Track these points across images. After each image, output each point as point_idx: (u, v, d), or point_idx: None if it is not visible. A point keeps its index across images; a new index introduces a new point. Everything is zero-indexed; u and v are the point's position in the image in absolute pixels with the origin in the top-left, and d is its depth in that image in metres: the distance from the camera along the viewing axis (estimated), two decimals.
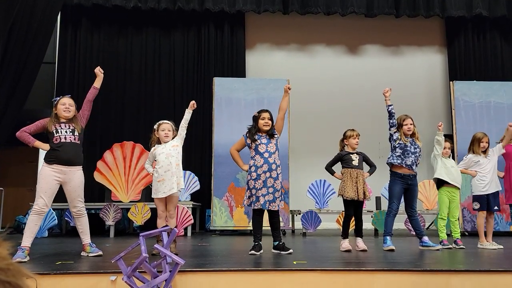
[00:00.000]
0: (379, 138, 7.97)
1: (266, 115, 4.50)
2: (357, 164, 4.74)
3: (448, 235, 5.37)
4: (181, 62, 9.20)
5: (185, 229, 7.03)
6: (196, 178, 7.90)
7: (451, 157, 5.47)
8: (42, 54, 7.10)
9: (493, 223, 5.41)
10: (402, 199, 5.00)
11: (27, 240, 3.96)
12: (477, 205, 5.30)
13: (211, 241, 6.20)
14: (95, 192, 8.18)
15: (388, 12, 8.94)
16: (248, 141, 4.51)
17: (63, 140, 4.10)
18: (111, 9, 8.76)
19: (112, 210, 6.97)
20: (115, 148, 7.41)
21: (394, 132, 4.97)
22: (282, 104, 4.63)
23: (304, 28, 9.57)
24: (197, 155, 8.79)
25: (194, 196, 7.89)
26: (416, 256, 4.31)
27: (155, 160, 4.44)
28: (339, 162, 4.85)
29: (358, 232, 4.79)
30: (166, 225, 4.19)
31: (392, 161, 4.91)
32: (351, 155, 4.79)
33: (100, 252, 4.21)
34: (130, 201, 7.25)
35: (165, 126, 4.41)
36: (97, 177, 7.33)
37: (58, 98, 4.28)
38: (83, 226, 4.26)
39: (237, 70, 9.13)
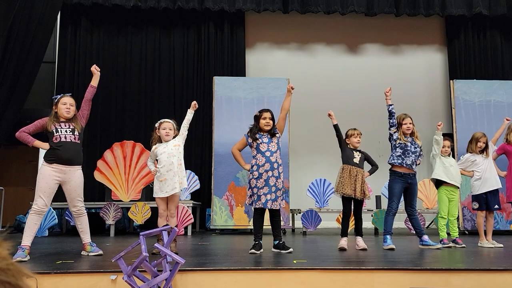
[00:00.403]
0: (379, 137, 7.98)
1: (267, 114, 4.51)
2: (357, 162, 4.76)
3: (447, 234, 5.37)
4: (181, 61, 9.20)
5: (185, 228, 7.03)
6: (196, 177, 7.91)
7: (451, 155, 5.48)
8: (42, 53, 7.11)
9: (493, 222, 5.42)
10: (402, 198, 5.01)
11: (27, 239, 3.96)
12: (476, 205, 5.31)
13: (211, 240, 6.20)
14: (95, 191, 8.18)
15: (388, 11, 8.93)
16: (250, 140, 4.51)
17: (63, 139, 4.10)
18: (111, 8, 8.76)
19: (112, 209, 6.97)
20: (115, 148, 7.41)
21: (394, 132, 4.97)
22: (284, 103, 4.63)
23: (304, 27, 9.56)
24: (197, 154, 8.80)
25: (194, 195, 7.90)
26: (416, 255, 4.31)
27: (156, 160, 4.44)
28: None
29: (358, 231, 4.79)
30: (167, 224, 4.20)
31: (393, 161, 4.92)
32: (353, 151, 4.80)
33: (101, 252, 4.21)
34: (130, 200, 7.25)
35: (166, 125, 4.41)
36: (97, 176, 7.33)
37: (59, 96, 4.27)
38: (83, 225, 4.26)
39: (237, 69, 9.13)
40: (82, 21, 9.08)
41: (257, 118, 4.56)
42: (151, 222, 6.82)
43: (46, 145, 4.12)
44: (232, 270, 3.27)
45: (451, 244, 5.02)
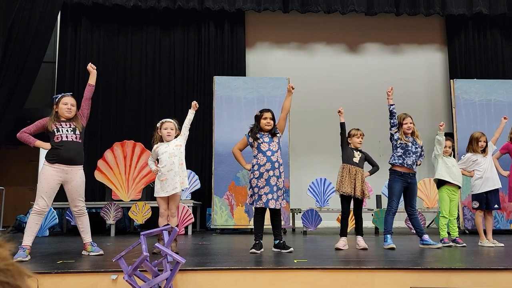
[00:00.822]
0: (380, 136, 7.98)
1: (268, 114, 4.51)
2: (357, 162, 4.77)
3: (447, 233, 5.37)
4: (181, 61, 9.20)
5: (186, 228, 7.04)
6: (196, 176, 7.91)
7: (452, 155, 5.48)
8: (42, 53, 7.10)
9: (492, 221, 5.42)
10: (402, 198, 5.01)
11: (28, 239, 3.96)
12: (476, 204, 5.32)
13: (212, 239, 6.20)
14: (96, 191, 8.19)
15: (388, 10, 8.93)
16: (251, 140, 4.52)
17: (64, 139, 4.09)
18: (111, 8, 8.76)
19: (112, 209, 6.97)
20: (115, 147, 7.42)
21: (395, 132, 4.97)
22: (285, 103, 4.63)
23: (304, 26, 9.56)
24: (198, 154, 8.80)
25: (194, 195, 7.90)
26: (417, 255, 4.31)
27: (157, 159, 4.45)
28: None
29: (359, 230, 4.80)
30: (168, 224, 4.20)
31: (394, 161, 4.92)
32: (353, 151, 4.81)
33: (101, 251, 4.21)
34: (131, 200, 7.25)
35: (168, 124, 4.42)
36: (97, 176, 7.33)
37: (60, 95, 4.27)
38: (84, 225, 4.26)
39: (237, 68, 9.13)
40: (83, 21, 9.08)
41: (257, 118, 4.56)
42: (152, 221, 6.82)
43: (48, 145, 4.11)
44: (232, 269, 3.27)
45: (451, 244, 5.02)
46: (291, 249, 4.35)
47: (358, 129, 4.89)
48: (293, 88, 4.60)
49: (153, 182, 4.61)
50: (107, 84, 8.87)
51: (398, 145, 4.93)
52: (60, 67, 8.98)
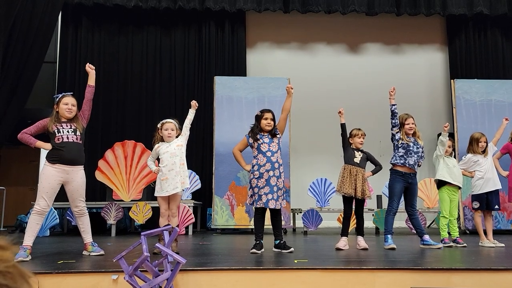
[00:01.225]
0: (380, 136, 7.98)
1: (269, 115, 4.52)
2: (358, 162, 4.76)
3: (448, 234, 5.37)
4: (182, 61, 9.20)
5: (186, 228, 7.04)
6: (197, 176, 7.92)
7: (453, 155, 5.48)
8: (43, 54, 7.11)
9: (492, 222, 5.42)
10: (402, 198, 5.01)
11: (28, 239, 3.96)
12: (476, 204, 5.32)
13: (212, 240, 6.20)
14: (97, 191, 8.19)
15: (389, 11, 8.93)
16: (251, 140, 4.52)
17: (65, 140, 4.10)
18: (112, 8, 8.76)
19: (113, 209, 6.98)
20: (116, 147, 7.42)
21: (397, 132, 4.97)
22: (285, 104, 4.63)
23: (304, 26, 9.57)
24: (198, 154, 8.80)
25: (195, 195, 7.90)
26: (417, 255, 4.31)
27: (158, 159, 4.45)
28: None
29: (360, 230, 4.80)
30: (168, 224, 4.20)
31: (396, 161, 4.92)
32: (354, 151, 4.81)
33: (102, 251, 4.21)
34: (132, 200, 7.26)
35: (168, 125, 4.43)
36: (98, 176, 7.34)
37: (60, 95, 4.26)
38: (85, 225, 4.26)
39: (238, 68, 9.13)
40: (83, 21, 9.09)
41: (258, 118, 4.57)
42: (152, 221, 6.82)
43: (49, 146, 4.12)
44: (233, 270, 3.28)
45: (452, 244, 5.02)
46: (292, 249, 4.35)
47: (359, 129, 4.89)
48: (292, 89, 4.60)
49: (154, 182, 4.61)
50: (107, 84, 8.87)
51: (399, 145, 4.93)
52: (61, 67, 8.99)
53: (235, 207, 7.37)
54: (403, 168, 4.89)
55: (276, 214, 4.49)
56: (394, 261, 3.78)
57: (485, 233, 5.24)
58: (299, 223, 7.74)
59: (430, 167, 8.21)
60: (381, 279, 3.20)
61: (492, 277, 3.22)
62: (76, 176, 4.15)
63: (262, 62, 9.54)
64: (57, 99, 4.24)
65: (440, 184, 5.32)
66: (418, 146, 4.94)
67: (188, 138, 4.54)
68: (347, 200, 4.77)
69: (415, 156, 4.88)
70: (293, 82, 7.54)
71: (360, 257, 4.07)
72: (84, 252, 4.24)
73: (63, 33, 9.08)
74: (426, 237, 4.88)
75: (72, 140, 4.12)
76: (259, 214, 4.50)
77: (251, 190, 4.46)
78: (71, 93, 4.40)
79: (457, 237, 5.19)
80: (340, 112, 4.91)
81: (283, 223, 5.01)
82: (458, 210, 6.42)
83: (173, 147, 4.37)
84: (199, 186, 7.87)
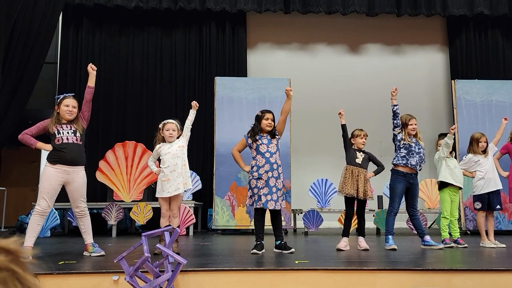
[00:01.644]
0: (381, 137, 7.96)
1: (269, 115, 4.53)
2: (360, 163, 4.76)
3: (449, 234, 5.36)
4: (182, 62, 9.21)
5: (187, 228, 7.04)
6: (198, 177, 7.92)
7: (453, 155, 5.48)
8: (44, 54, 7.11)
9: (493, 222, 5.41)
10: (403, 198, 5.00)
11: (29, 240, 3.97)
12: (478, 205, 5.30)
13: (213, 240, 6.20)
14: (97, 191, 8.19)
15: (390, 11, 8.93)
16: (250, 141, 4.52)
17: (65, 141, 4.10)
18: (113, 9, 8.77)
19: (114, 210, 6.98)
20: (117, 148, 7.42)
21: (398, 133, 4.96)
22: (285, 107, 4.62)
23: (305, 27, 9.57)
24: (199, 155, 8.81)
25: (196, 196, 7.90)
26: (418, 255, 4.31)
27: (159, 159, 4.46)
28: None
29: (361, 231, 4.79)
30: (169, 225, 4.20)
31: (398, 161, 4.91)
32: (356, 152, 4.81)
33: (103, 252, 4.21)
34: (132, 201, 7.26)
35: (170, 126, 4.43)
36: (99, 177, 7.34)
37: (62, 96, 4.26)
38: (86, 226, 4.27)
39: (239, 69, 9.14)
40: (84, 21, 9.10)
41: (259, 118, 4.57)
42: (153, 222, 6.82)
43: (49, 147, 4.12)
44: (234, 270, 3.28)
45: (453, 244, 5.01)
46: (293, 249, 4.35)
47: (361, 130, 4.89)
48: (291, 91, 4.59)
49: (155, 183, 4.62)
50: (108, 84, 8.88)
51: (401, 146, 4.93)
52: (62, 68, 9.00)
53: (236, 208, 7.37)
54: (404, 169, 4.88)
55: (276, 214, 4.49)
56: (395, 261, 3.78)
57: (486, 233, 5.24)
58: (300, 224, 7.73)
59: (430, 167, 8.20)
60: (382, 280, 3.20)
61: (493, 278, 3.22)
62: (77, 176, 4.15)
63: (263, 63, 9.54)
64: (58, 100, 4.24)
65: (442, 185, 5.32)
66: (420, 147, 4.94)
67: (189, 138, 4.54)
68: (349, 200, 4.77)
69: (417, 156, 4.88)
70: (293, 83, 7.54)
71: (361, 257, 4.06)
72: (85, 253, 4.24)
73: (64, 33, 9.09)
74: (427, 237, 4.87)
75: (72, 141, 4.12)
76: (259, 214, 4.50)
77: (250, 191, 4.47)
78: (73, 94, 4.38)
79: (458, 238, 5.19)
80: (340, 113, 4.91)
81: (283, 223, 5.02)
82: (459, 210, 6.42)
83: (174, 148, 4.37)
84: (199, 186, 7.87)
